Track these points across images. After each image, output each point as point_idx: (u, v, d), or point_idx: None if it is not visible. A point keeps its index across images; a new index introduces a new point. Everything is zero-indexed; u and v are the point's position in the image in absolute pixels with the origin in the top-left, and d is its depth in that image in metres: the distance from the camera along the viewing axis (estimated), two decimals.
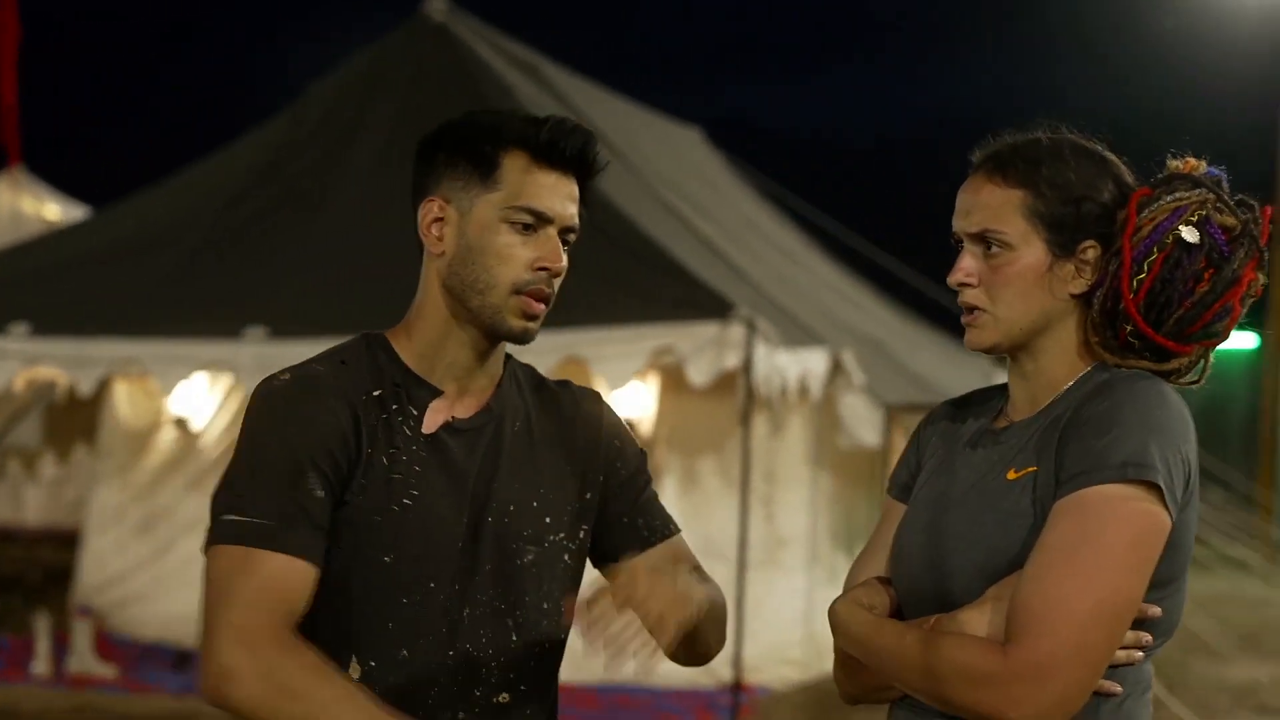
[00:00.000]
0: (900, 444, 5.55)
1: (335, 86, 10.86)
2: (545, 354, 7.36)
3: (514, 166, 2.13)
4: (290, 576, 2.01)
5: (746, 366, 7.89)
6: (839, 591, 2.24)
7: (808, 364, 8.83)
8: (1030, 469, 2.10)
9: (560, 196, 2.15)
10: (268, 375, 2.16)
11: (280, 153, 10.39)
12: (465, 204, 2.15)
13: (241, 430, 2.12)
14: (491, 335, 2.18)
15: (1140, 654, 2.06)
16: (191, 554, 9.71)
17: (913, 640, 2.07)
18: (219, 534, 2.03)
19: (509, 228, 2.13)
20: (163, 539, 9.81)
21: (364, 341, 2.22)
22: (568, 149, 2.14)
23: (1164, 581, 2.05)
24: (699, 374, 7.80)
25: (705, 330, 7.85)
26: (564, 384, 2.34)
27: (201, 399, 9.76)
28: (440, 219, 2.17)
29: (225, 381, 9.56)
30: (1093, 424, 2.03)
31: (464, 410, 2.19)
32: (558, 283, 2.17)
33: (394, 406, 2.14)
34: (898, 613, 2.21)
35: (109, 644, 9.23)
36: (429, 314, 2.19)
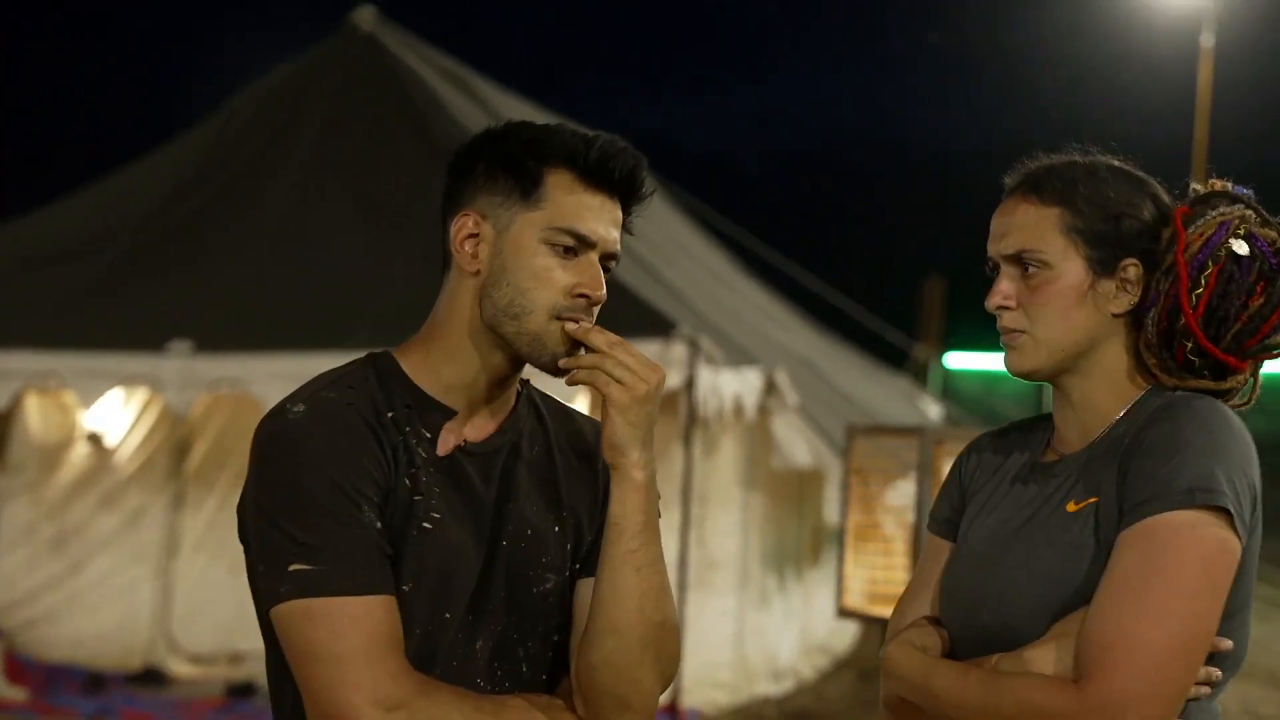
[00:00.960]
0: (856, 465, 5.47)
1: (262, 95, 10.64)
2: None
3: (558, 185, 2.00)
4: (387, 614, 1.90)
5: (689, 386, 7.79)
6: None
7: (743, 384, 8.76)
8: (1090, 500, 2.05)
9: (604, 220, 2.02)
10: (274, 409, 2.01)
11: (205, 162, 10.17)
12: (503, 221, 2.02)
13: (265, 469, 1.96)
14: (520, 362, 2.06)
15: (1208, 689, 2.01)
16: (103, 573, 9.47)
17: (975, 681, 2.00)
18: (296, 587, 1.89)
19: (549, 249, 2.00)
20: (74, 557, 9.54)
21: (369, 363, 2.09)
22: (617, 170, 2.01)
23: (1232, 612, 2.00)
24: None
25: (647, 349, 7.72)
26: (587, 417, 2.22)
27: (116, 414, 9.50)
28: (475, 235, 2.03)
29: (141, 396, 9.33)
30: (1155, 449, 1.98)
31: (477, 432, 2.07)
32: (596, 311, 2.03)
33: (407, 428, 2.01)
34: (950, 653, 2.14)
35: (17, 665, 8.92)
36: (453, 333, 2.05)
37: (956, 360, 23.89)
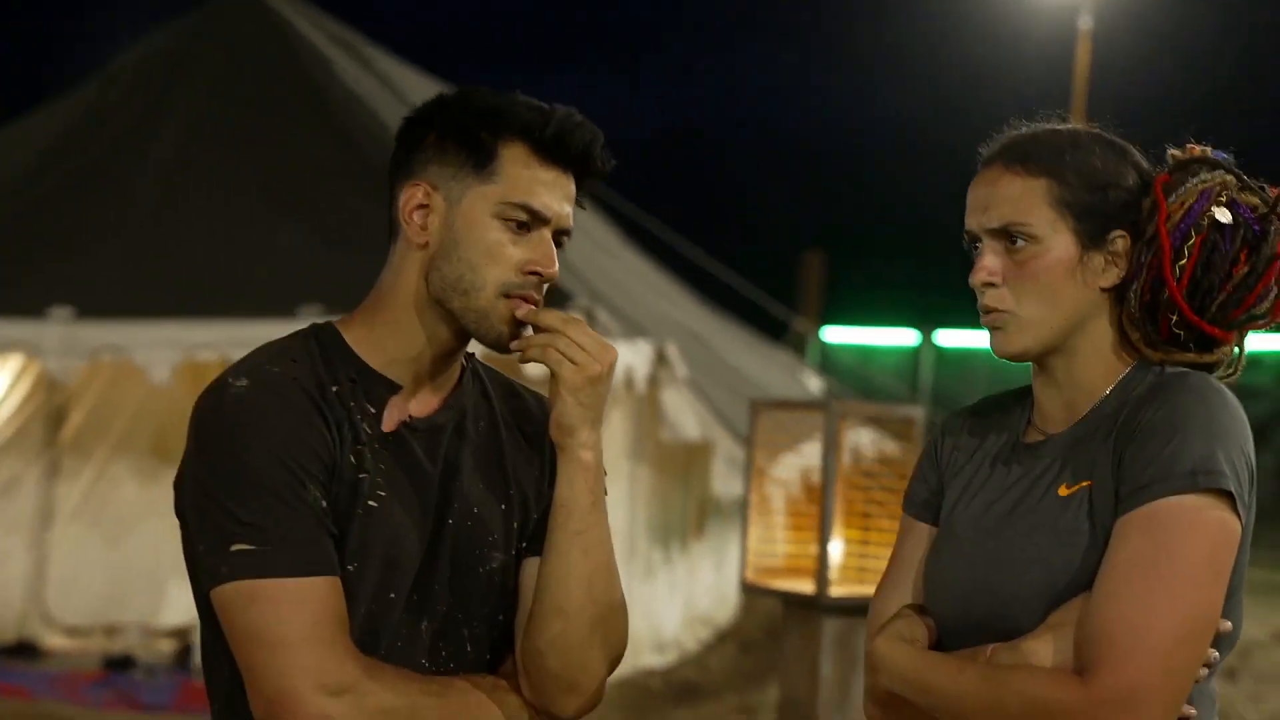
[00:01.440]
0: (760, 439, 5.50)
1: (145, 56, 10.32)
2: None
3: (513, 159, 1.96)
4: (333, 596, 1.86)
5: None
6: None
7: (635, 355, 8.75)
8: (1084, 484, 1.98)
9: (558, 195, 1.98)
10: (216, 383, 1.95)
11: (86, 124, 9.87)
12: (455, 193, 1.97)
13: (207, 445, 1.90)
14: (466, 337, 2.02)
15: (1206, 671, 1.96)
16: None
17: (974, 676, 1.92)
18: (239, 568, 1.83)
19: (501, 224, 1.96)
20: None
21: (312, 334, 2.03)
22: (573, 146, 1.97)
23: (1230, 591, 1.93)
24: (537, 365, 7.63)
25: None
26: (532, 391, 2.18)
27: None
28: (425, 206, 1.98)
29: (15, 363, 9.08)
30: (1154, 431, 1.91)
31: (422, 408, 2.03)
32: (545, 289, 2.00)
33: (352, 403, 1.96)
34: (938, 643, 2.07)
35: None
36: (399, 305, 2.01)
37: (833, 334, 24.11)
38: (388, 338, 2.01)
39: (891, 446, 5.58)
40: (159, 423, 9.25)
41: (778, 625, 10.49)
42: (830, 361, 22.19)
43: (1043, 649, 1.91)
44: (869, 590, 5.23)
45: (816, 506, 5.39)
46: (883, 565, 5.39)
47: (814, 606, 5.19)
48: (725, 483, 9.51)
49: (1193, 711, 1.94)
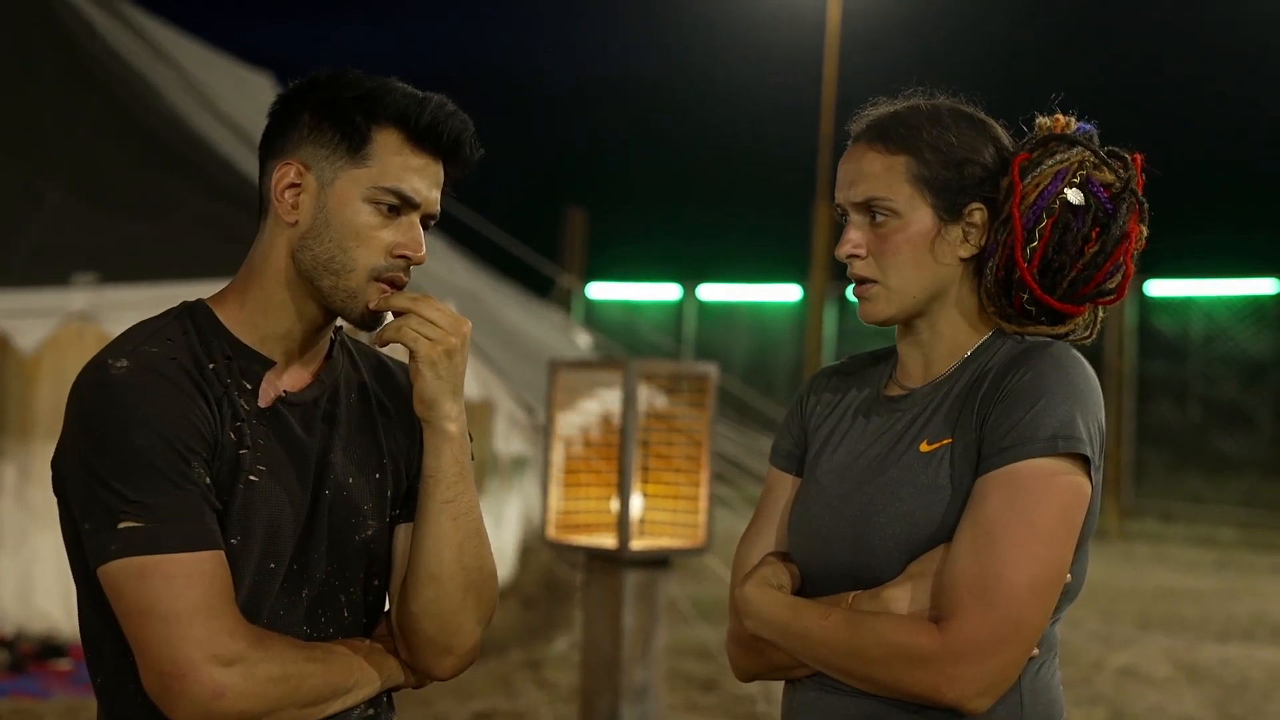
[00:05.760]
0: (559, 399, 5.58)
1: None
2: (161, 306, 6.97)
3: (386, 144, 2.01)
4: (220, 569, 1.90)
5: None
6: None
7: None
8: (945, 441, 2.09)
9: (428, 182, 2.04)
10: (94, 364, 1.97)
11: None
12: (327, 174, 2.02)
13: (90, 427, 1.92)
14: (334, 314, 2.07)
15: (1052, 619, 2.07)
16: None
17: (837, 622, 2.04)
18: (128, 545, 1.87)
19: (373, 208, 2.01)
20: None
21: (185, 313, 2.07)
22: (445, 134, 2.03)
23: (1076, 545, 2.05)
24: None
25: None
26: (399, 363, 2.24)
27: None
28: (296, 185, 2.03)
29: None
30: (1018, 396, 2.02)
31: (295, 382, 2.09)
32: (412, 272, 2.06)
33: (228, 380, 2.01)
34: (801, 589, 2.17)
35: None
36: (268, 283, 2.05)
37: (598, 290, 24.28)
38: (259, 315, 2.05)
39: (663, 401, 5.70)
40: None
41: (556, 581, 10.61)
42: (596, 318, 22.37)
43: (902, 597, 2.02)
44: (663, 543, 5.39)
45: (606, 463, 5.49)
46: (670, 518, 5.51)
47: (616, 560, 5.31)
48: (506, 442, 9.56)
49: (1036, 651, 2.05)
